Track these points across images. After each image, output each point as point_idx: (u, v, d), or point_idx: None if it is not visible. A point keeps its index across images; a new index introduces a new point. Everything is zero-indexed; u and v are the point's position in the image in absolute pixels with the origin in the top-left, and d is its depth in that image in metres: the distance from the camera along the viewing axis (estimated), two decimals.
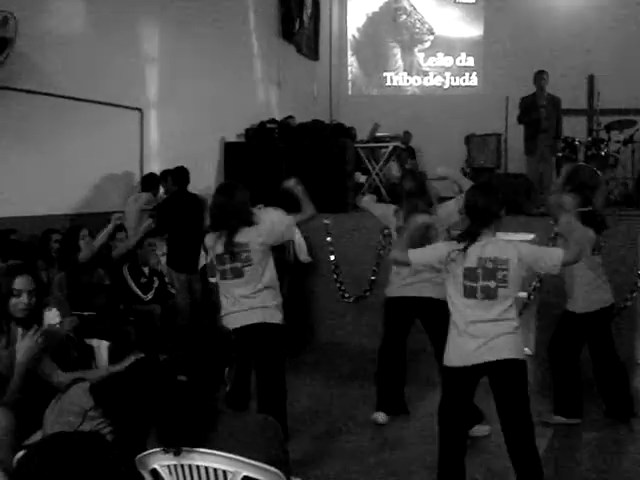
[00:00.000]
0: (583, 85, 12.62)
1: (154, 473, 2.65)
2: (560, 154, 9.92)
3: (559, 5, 13.25)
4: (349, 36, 14.62)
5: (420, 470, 4.53)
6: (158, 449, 2.58)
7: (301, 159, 8.70)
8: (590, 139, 10.72)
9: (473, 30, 14.01)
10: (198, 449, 2.55)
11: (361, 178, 10.43)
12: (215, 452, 2.55)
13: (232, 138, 9.85)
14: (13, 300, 3.86)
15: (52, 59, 6.92)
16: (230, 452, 2.55)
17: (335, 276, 7.85)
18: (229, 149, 9.59)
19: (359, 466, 4.69)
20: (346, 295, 7.80)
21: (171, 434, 2.55)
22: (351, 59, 14.62)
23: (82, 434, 2.25)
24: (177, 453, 2.54)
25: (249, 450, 2.57)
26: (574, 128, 11.02)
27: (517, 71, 11.83)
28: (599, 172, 9.64)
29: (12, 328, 3.88)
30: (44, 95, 6.82)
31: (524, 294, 7.40)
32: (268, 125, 9.41)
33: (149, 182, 7.89)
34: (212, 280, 6.45)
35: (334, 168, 8.67)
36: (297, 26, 12.28)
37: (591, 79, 12.62)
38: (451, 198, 5.53)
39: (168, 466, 2.61)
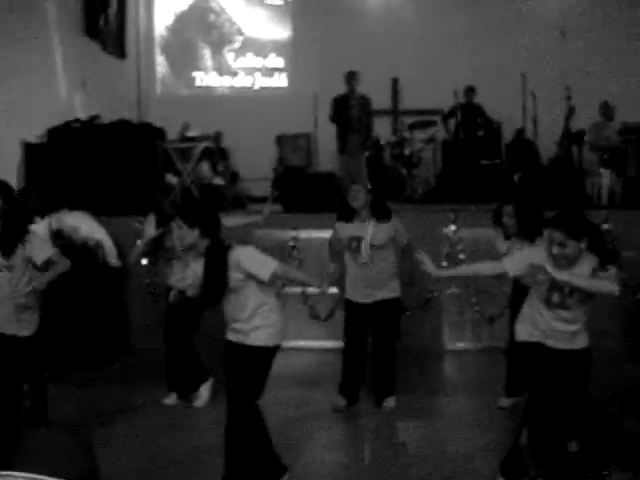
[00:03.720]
0: (388, 86, 13.10)
1: None
2: (367, 153, 10.24)
3: (365, 8, 13.70)
4: (157, 35, 14.29)
5: None
6: None
7: (108, 160, 8.37)
8: (395, 139, 11.16)
9: (282, 31, 14.15)
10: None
11: (173, 179, 10.23)
12: (17, 474, 2.36)
13: (33, 139, 9.31)
14: None
15: None
16: (35, 472, 2.37)
17: (148, 280, 7.63)
18: (30, 151, 9.04)
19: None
20: (159, 299, 7.57)
21: None
22: (159, 58, 14.30)
23: None
24: None
25: (56, 468, 2.40)
26: (380, 128, 11.43)
27: (325, 72, 12.09)
28: (404, 170, 10.08)
29: None
30: None
31: None
32: (72, 125, 8.97)
33: None
34: None
35: (143, 169, 8.41)
36: (102, 23, 11.84)
37: (395, 81, 13.13)
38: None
39: None
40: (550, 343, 4.02)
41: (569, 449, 2.02)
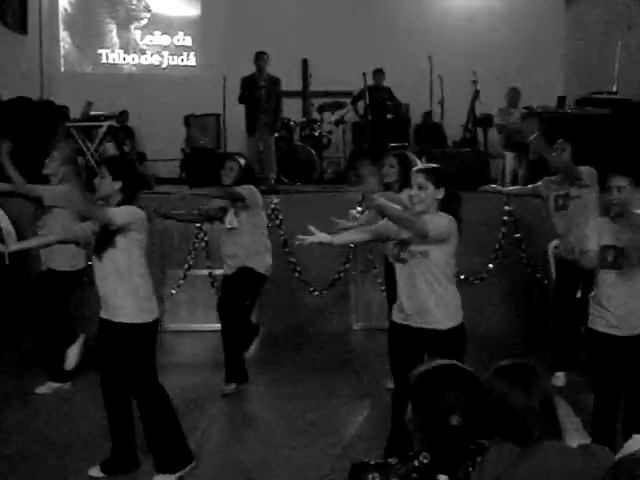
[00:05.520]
0: (298, 68, 13.06)
1: None
2: (277, 134, 10.20)
3: None
4: (61, 9, 13.78)
5: None
6: None
7: (8, 139, 8.05)
8: (304, 120, 11.14)
9: (190, 9, 13.90)
10: None
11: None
12: None
13: None
14: None
15: None
16: None
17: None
18: None
19: None
20: None
21: None
22: (63, 34, 13.79)
23: None
24: None
25: None
26: (290, 109, 11.39)
27: (234, 52, 11.96)
28: (313, 151, 10.09)
29: None
30: None
31: None
32: None
33: None
34: None
35: (44, 148, 8.11)
36: None
37: (305, 62, 13.09)
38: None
39: None
40: (411, 322, 4.00)
41: (450, 423, 2.05)
